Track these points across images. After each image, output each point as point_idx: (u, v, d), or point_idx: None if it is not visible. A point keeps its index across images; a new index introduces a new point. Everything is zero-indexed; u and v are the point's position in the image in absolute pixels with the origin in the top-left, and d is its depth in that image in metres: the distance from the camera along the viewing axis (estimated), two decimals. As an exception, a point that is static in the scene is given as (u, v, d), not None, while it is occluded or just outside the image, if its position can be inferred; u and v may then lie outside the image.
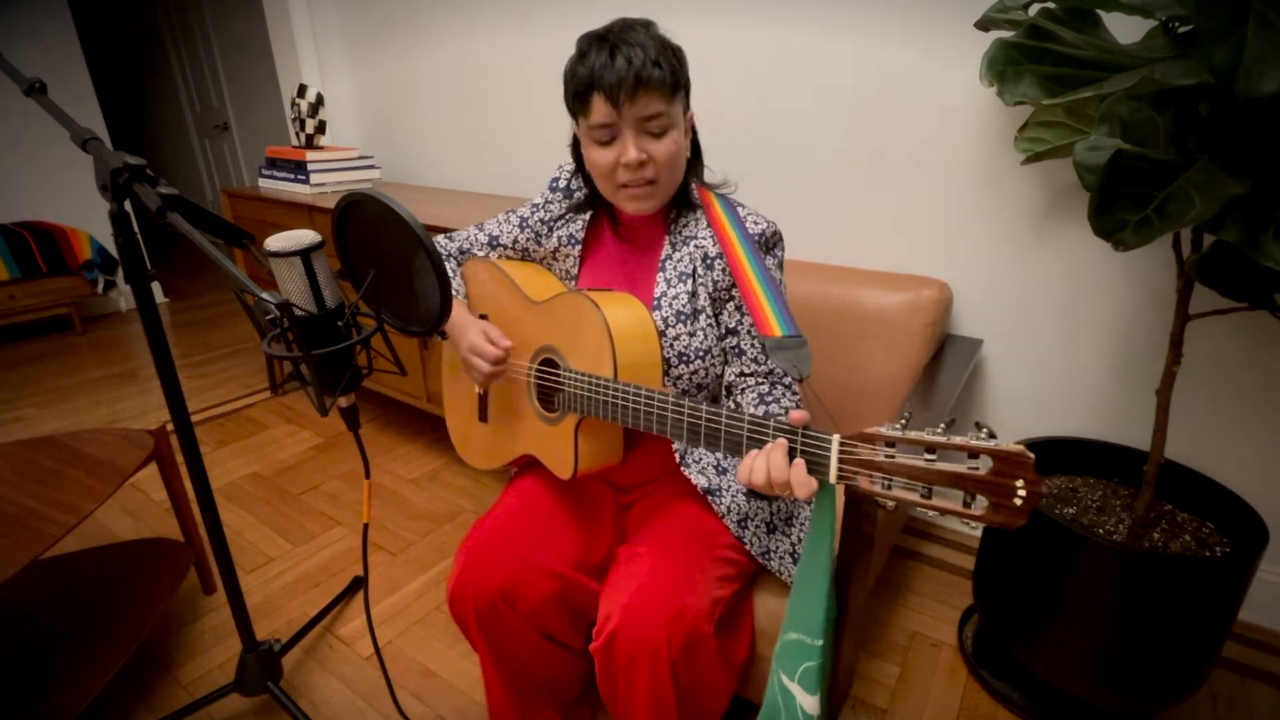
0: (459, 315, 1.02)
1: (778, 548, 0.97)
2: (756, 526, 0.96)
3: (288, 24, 2.60)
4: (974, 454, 0.58)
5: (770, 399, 0.92)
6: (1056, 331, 1.44)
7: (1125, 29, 1.10)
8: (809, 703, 0.75)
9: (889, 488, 0.62)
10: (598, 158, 0.89)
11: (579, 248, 1.04)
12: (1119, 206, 0.85)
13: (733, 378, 0.97)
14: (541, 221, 1.08)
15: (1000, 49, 0.93)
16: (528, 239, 1.09)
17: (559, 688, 1.04)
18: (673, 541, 0.93)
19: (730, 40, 1.64)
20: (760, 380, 0.95)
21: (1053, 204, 1.36)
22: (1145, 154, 0.84)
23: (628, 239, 1.03)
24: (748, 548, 0.95)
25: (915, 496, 0.61)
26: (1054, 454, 1.29)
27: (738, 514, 0.95)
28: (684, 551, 0.91)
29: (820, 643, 0.73)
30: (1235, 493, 1.11)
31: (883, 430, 0.62)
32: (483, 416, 1.11)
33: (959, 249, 1.48)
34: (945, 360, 1.38)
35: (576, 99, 0.88)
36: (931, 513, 0.60)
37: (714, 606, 0.88)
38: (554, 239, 1.06)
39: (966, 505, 0.58)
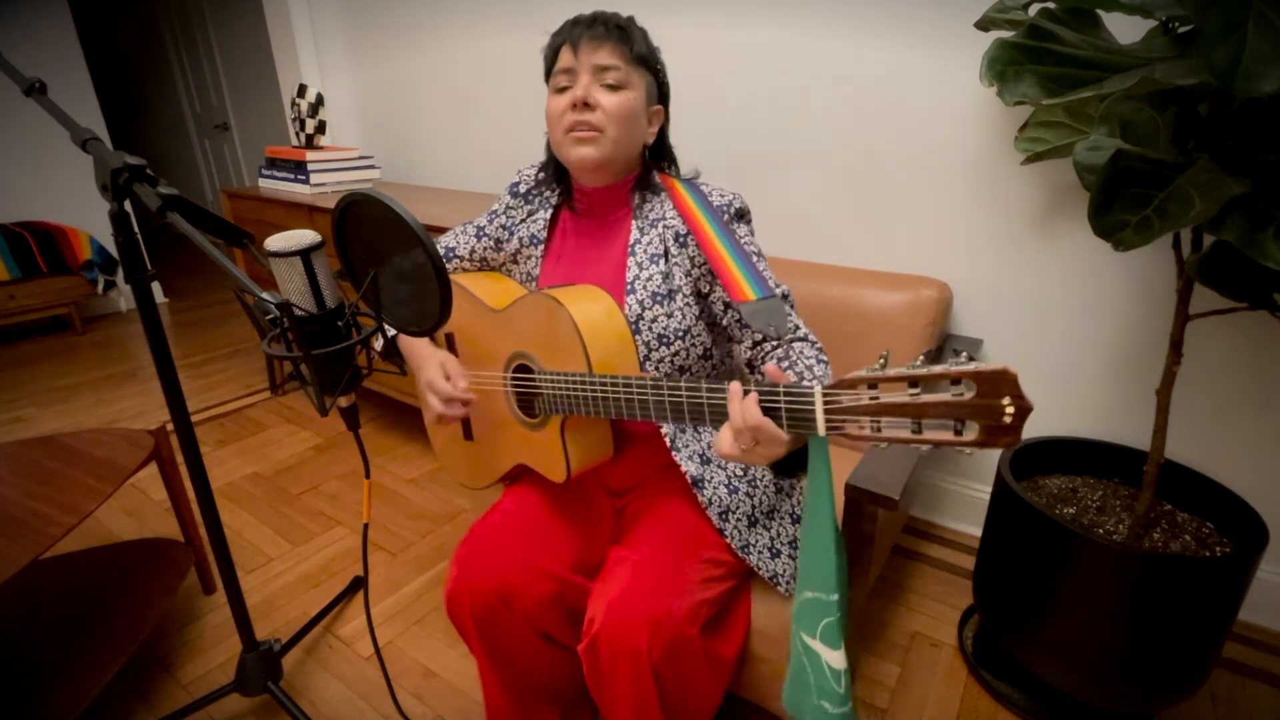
0: (417, 346, 1.01)
1: (756, 542, 0.96)
2: (738, 520, 0.96)
3: (288, 24, 2.60)
4: (956, 380, 0.57)
5: (787, 362, 0.90)
6: (1056, 331, 1.44)
7: (1125, 29, 1.10)
8: (834, 658, 0.74)
9: (878, 430, 0.62)
10: (553, 105, 0.95)
11: (541, 247, 1.03)
12: (1119, 206, 0.85)
13: (749, 353, 0.96)
14: (501, 227, 1.08)
15: (1000, 49, 0.93)
16: (485, 248, 1.09)
17: (558, 688, 1.04)
18: (660, 544, 0.92)
19: (729, 40, 1.64)
20: (775, 344, 0.94)
21: (1053, 204, 1.36)
22: (1145, 154, 0.85)
23: (591, 220, 1.02)
24: (729, 542, 0.95)
25: (906, 434, 0.60)
26: (1054, 454, 1.29)
27: (719, 506, 0.95)
28: (670, 554, 0.90)
29: (835, 597, 0.72)
30: (1235, 493, 1.11)
31: (863, 373, 0.62)
32: (468, 435, 1.10)
33: (959, 249, 1.48)
34: (945, 360, 1.38)
35: (549, 59, 0.96)
36: (925, 447, 0.60)
37: (699, 609, 0.87)
38: (514, 241, 1.06)
39: (958, 433, 0.58)
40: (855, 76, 1.49)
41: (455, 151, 2.48)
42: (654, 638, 0.82)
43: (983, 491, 1.64)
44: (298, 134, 2.43)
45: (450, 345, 1.08)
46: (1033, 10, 1.03)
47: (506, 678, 0.99)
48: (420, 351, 1.01)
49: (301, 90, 2.36)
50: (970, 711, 1.21)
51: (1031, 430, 1.51)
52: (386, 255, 0.76)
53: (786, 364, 0.90)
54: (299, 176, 2.31)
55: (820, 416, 0.65)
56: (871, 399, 0.61)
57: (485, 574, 0.92)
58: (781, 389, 0.67)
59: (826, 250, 1.65)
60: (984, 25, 1.12)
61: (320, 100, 2.35)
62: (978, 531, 1.67)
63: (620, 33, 0.91)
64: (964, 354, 0.57)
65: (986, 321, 1.51)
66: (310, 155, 2.27)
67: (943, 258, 1.51)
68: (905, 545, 1.66)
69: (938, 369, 0.57)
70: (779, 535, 0.99)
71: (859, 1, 1.44)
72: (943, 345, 1.44)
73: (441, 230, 1.18)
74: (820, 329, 1.42)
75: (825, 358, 0.91)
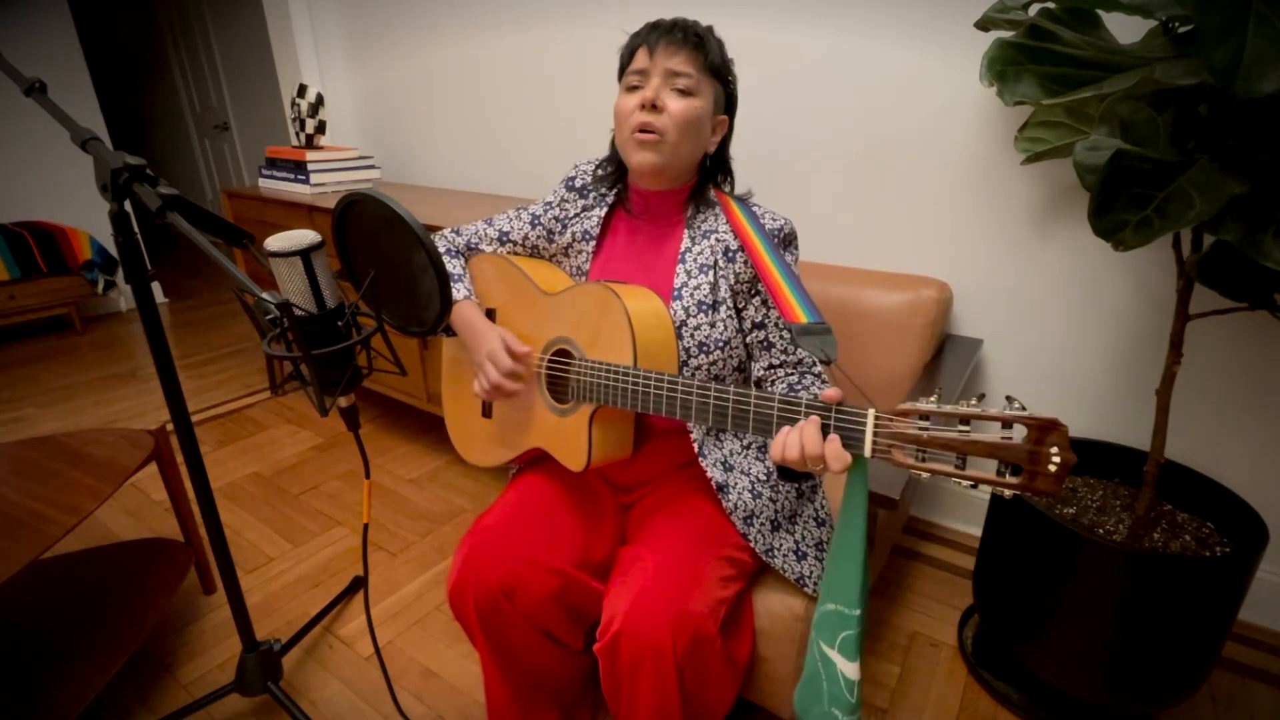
0: (475, 320, 1.02)
1: (781, 545, 0.98)
2: (761, 524, 0.96)
3: (288, 24, 2.60)
4: (1007, 424, 0.59)
5: (800, 388, 0.93)
6: (1056, 331, 1.44)
7: (1125, 29, 1.10)
8: (850, 669, 0.76)
9: (923, 459, 0.64)
10: (623, 104, 0.95)
11: (593, 244, 1.04)
12: (1119, 206, 0.85)
13: (761, 372, 0.98)
14: (555, 219, 1.09)
15: (1000, 49, 0.93)
16: (539, 236, 1.10)
17: (559, 687, 1.04)
18: (676, 542, 0.93)
19: (730, 40, 1.63)
20: (790, 370, 0.97)
21: (1053, 204, 1.36)
22: (1145, 154, 0.84)
23: (644, 223, 1.03)
24: (752, 545, 0.95)
25: (949, 468, 0.62)
26: (1054, 454, 1.29)
27: (744, 511, 0.95)
28: (688, 552, 0.91)
29: (858, 612, 0.75)
30: (1235, 493, 1.11)
31: (919, 404, 0.63)
32: (486, 412, 1.10)
33: (959, 249, 1.48)
34: (945, 360, 1.38)
35: (624, 58, 0.97)
36: (965, 483, 0.62)
37: (718, 607, 0.88)
38: (567, 235, 1.07)
39: (1001, 475, 0.60)
40: (856, 77, 1.49)
41: (455, 151, 2.48)
42: (678, 635, 0.82)
43: (983, 491, 1.64)
44: (298, 134, 2.43)
45: (491, 320, 1.09)
46: (1033, 10, 1.03)
47: (509, 674, 0.99)
48: (477, 324, 1.02)
49: (301, 90, 2.36)
50: (970, 711, 1.21)
51: (1031, 430, 1.52)
52: (386, 255, 0.76)
53: (800, 388, 0.93)
54: (299, 176, 2.31)
55: (869, 438, 0.67)
56: (921, 429, 0.63)
57: (490, 568, 0.92)
58: (834, 407, 0.70)
59: (827, 250, 1.65)
60: (984, 25, 1.12)
61: (320, 100, 2.35)
62: (978, 531, 1.67)
63: (698, 40, 0.93)
64: (1016, 402, 0.60)
65: (986, 321, 1.51)
66: (310, 155, 2.27)
67: (943, 258, 1.51)
68: (905, 545, 1.66)
69: (992, 411, 0.60)
70: (804, 538, 1.00)
71: (859, 2, 1.44)
72: (943, 345, 1.44)
73: (441, 229, 1.18)
74: (820, 329, 1.42)
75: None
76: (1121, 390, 1.40)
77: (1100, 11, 0.97)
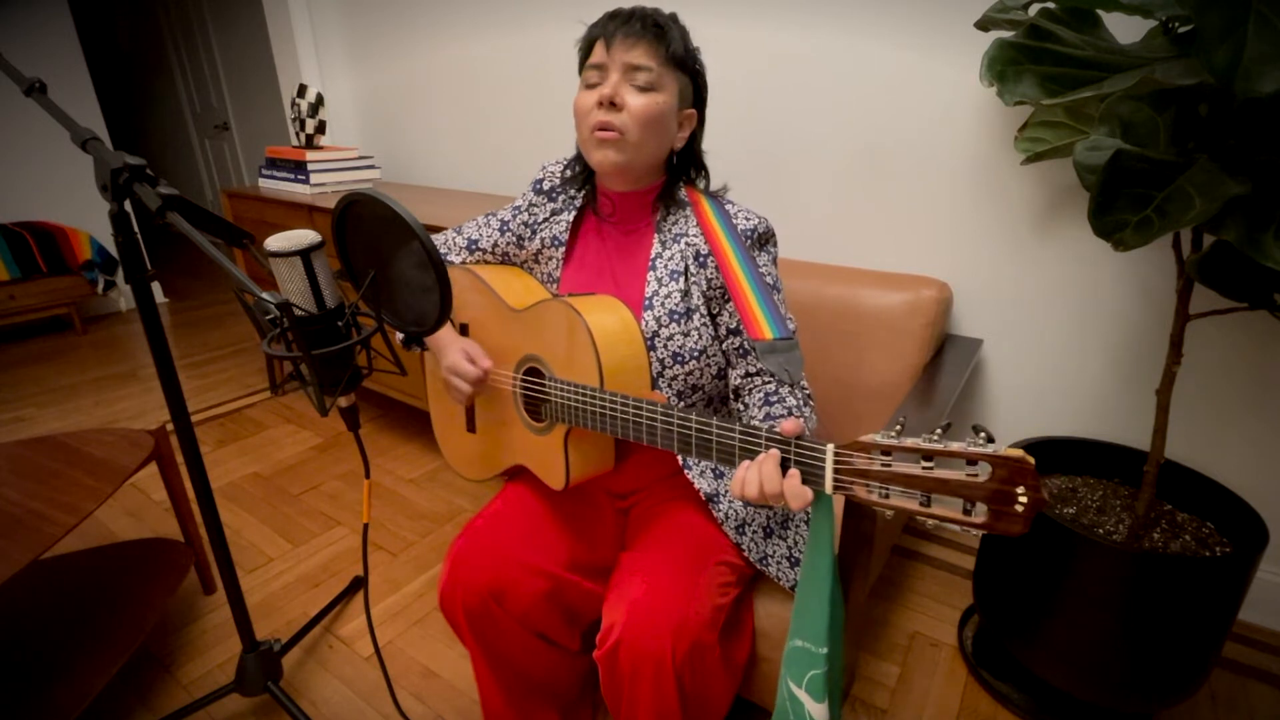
0: (441, 331, 1.00)
1: (774, 552, 0.97)
2: (754, 532, 0.96)
3: (288, 24, 2.60)
4: (972, 460, 0.56)
5: (775, 399, 0.91)
6: (1056, 331, 1.44)
7: (1125, 29, 1.10)
8: (817, 710, 0.74)
9: (886, 496, 0.61)
10: (581, 101, 0.92)
11: (562, 249, 1.02)
12: (1119, 206, 0.85)
13: (739, 380, 0.96)
14: (524, 225, 1.07)
15: (1000, 49, 0.93)
16: (508, 243, 1.08)
17: (557, 689, 1.04)
18: (674, 550, 0.92)
19: (729, 39, 1.64)
20: (767, 379, 0.95)
21: (1053, 204, 1.36)
22: (1145, 154, 0.84)
23: (613, 226, 1.01)
24: (746, 554, 0.95)
25: (914, 505, 0.59)
26: (1054, 454, 1.29)
27: (735, 520, 0.95)
28: (686, 560, 0.90)
29: (824, 650, 0.72)
30: (1235, 493, 1.11)
31: (878, 439, 0.60)
32: (470, 427, 1.10)
33: (959, 249, 1.48)
34: (945, 360, 1.38)
35: (583, 51, 0.93)
36: (931, 520, 0.59)
37: (716, 615, 0.87)
38: (537, 241, 1.05)
39: (966, 512, 0.57)
40: (855, 76, 1.49)
41: (455, 151, 2.48)
42: (677, 643, 0.82)
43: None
44: (298, 134, 2.43)
45: (464, 335, 1.08)
46: (1033, 10, 1.03)
47: (502, 676, 0.99)
48: (442, 338, 1.01)
49: (301, 90, 2.36)
50: (970, 711, 1.21)
51: (1032, 430, 1.52)
52: (386, 255, 0.76)
53: (775, 399, 0.91)
54: (299, 176, 2.31)
55: (829, 475, 0.65)
56: (883, 465, 0.61)
57: (478, 571, 0.92)
58: (793, 442, 0.67)
59: (826, 250, 1.65)
60: (984, 25, 1.12)
61: (320, 100, 2.35)
62: (978, 533, 1.67)
63: (657, 31, 0.88)
64: (983, 434, 0.56)
65: (986, 321, 1.51)
66: (310, 155, 2.27)
67: (943, 258, 1.51)
68: (905, 545, 1.66)
69: (954, 447, 0.56)
70: (797, 543, 0.99)
71: (860, 1, 1.44)
72: (943, 345, 1.44)
73: (441, 229, 1.18)
74: (819, 329, 1.42)
75: (813, 403, 0.92)
76: (1122, 390, 1.40)
77: (1100, 11, 0.97)
